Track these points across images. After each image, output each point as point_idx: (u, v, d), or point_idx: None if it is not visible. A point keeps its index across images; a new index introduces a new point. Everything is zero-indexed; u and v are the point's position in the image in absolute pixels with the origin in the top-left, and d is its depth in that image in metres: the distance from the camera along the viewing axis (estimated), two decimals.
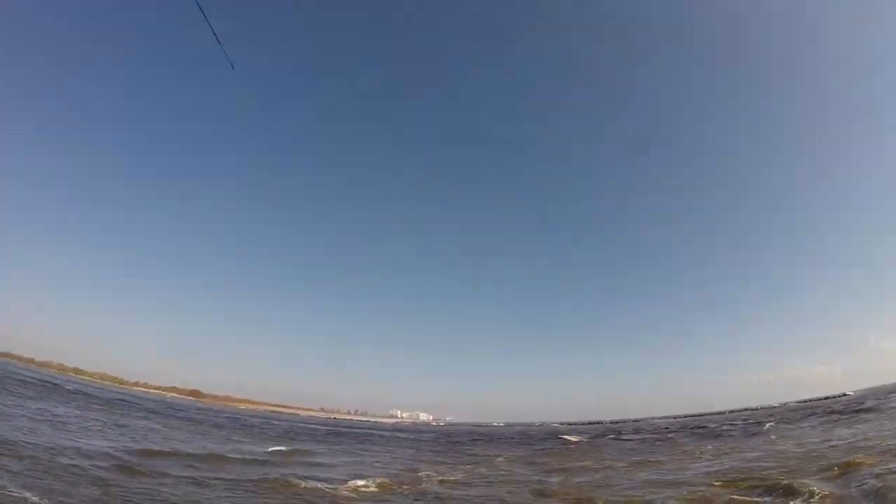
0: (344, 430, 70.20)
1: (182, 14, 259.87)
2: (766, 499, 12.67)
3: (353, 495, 15.37)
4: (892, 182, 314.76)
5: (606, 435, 55.44)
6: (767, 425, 41.05)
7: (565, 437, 52.99)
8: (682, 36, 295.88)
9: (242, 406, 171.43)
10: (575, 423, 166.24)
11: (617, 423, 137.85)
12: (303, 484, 16.21)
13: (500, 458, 29.52)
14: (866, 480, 12.47)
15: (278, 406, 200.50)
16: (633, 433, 55.34)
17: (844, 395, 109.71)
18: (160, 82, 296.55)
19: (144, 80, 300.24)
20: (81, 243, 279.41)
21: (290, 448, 28.01)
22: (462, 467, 24.14)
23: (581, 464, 25.25)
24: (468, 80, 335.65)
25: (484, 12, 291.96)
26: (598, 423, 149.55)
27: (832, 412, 45.33)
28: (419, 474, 20.22)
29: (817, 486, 12.71)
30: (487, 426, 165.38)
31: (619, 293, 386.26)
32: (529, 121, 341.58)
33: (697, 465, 20.86)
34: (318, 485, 16.24)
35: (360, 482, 17.16)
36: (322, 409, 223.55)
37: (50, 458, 14.75)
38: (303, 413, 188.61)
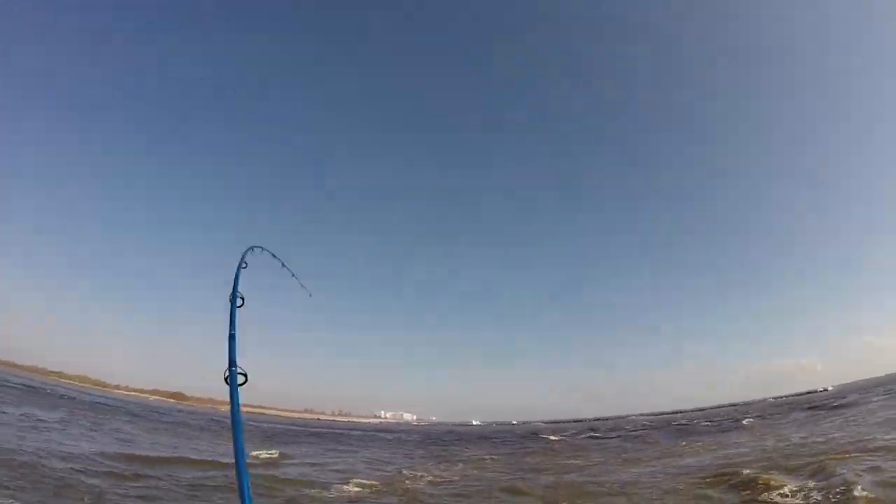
0: (328, 431, 70.02)
1: (181, 14, 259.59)
2: (749, 492, 13.08)
3: (343, 497, 15.53)
4: (877, 185, 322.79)
5: (587, 433, 56.04)
6: (747, 421, 41.79)
7: (547, 436, 53.45)
8: (682, 35, 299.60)
9: (225, 408, 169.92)
10: (555, 422, 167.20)
11: (598, 420, 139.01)
12: (291, 488, 16.32)
13: (486, 458, 29.80)
14: (842, 473, 12.88)
15: (262, 408, 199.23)
16: (615, 431, 55.96)
17: (825, 390, 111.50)
18: (162, 82, 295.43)
19: (145, 79, 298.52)
20: (65, 243, 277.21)
21: (276, 451, 28.01)
22: (451, 468, 24.38)
23: (568, 462, 25.68)
24: (467, 80, 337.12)
25: (484, 12, 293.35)
26: (580, 420, 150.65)
27: (812, 407, 46.20)
28: (409, 475, 20.42)
29: (797, 481, 13.14)
30: (469, 426, 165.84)
31: (610, 290, 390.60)
32: (529, 120, 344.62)
33: (682, 461, 21.33)
34: (308, 491, 16.33)
35: (350, 485, 17.30)
36: (306, 410, 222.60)
37: (38, 464, 14.65)
38: (286, 414, 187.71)
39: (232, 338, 3.65)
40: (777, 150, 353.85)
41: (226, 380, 3.36)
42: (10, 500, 10.83)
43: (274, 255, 6.77)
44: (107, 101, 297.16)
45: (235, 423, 3.16)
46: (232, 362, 3.44)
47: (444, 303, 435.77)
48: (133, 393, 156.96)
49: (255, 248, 5.67)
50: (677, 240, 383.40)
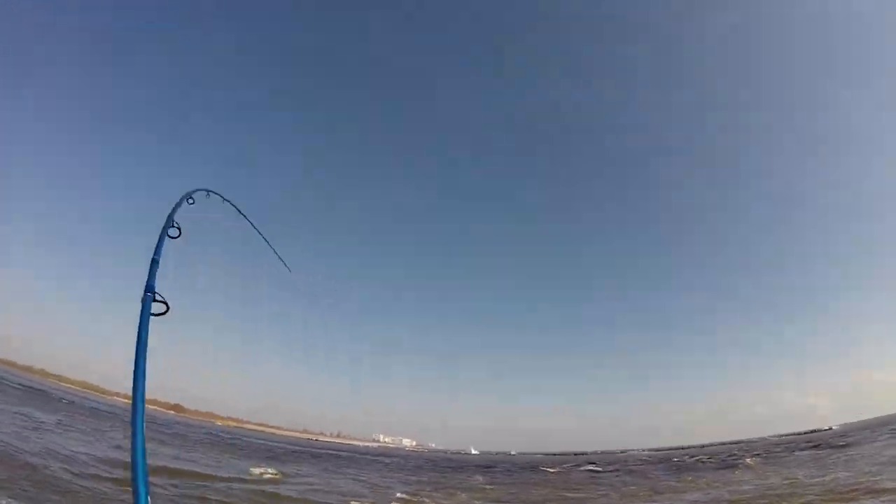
0: (327, 452, 69.45)
1: (182, 14, 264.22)
2: None
3: None
4: (880, 219, 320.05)
5: (586, 466, 55.29)
6: (749, 459, 40.95)
7: (546, 468, 52.72)
8: (682, 35, 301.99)
9: (221, 423, 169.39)
10: (554, 454, 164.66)
11: (597, 453, 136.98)
12: None
13: (487, 488, 29.45)
14: None
15: (261, 425, 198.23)
16: (614, 465, 55.18)
17: (830, 428, 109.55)
18: (163, 82, 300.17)
19: (146, 80, 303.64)
20: (71, 245, 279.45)
21: (277, 469, 27.75)
22: (452, 496, 23.98)
23: (569, 495, 25.26)
24: (467, 80, 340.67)
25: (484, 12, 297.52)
26: (579, 453, 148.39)
27: (816, 446, 45.27)
28: (410, 500, 20.08)
29: None
30: (467, 454, 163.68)
31: (610, 319, 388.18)
32: (530, 125, 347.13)
33: (684, 496, 21.00)
34: None
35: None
36: (304, 431, 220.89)
37: (38, 466, 14.56)
38: (285, 434, 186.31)
39: (154, 262, 3.41)
40: (787, 166, 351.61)
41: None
42: (7, 501, 10.69)
43: (240, 212, 6.25)
44: (108, 101, 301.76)
45: (139, 368, 2.74)
46: (149, 288, 3.13)
47: (445, 331, 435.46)
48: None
49: (210, 194, 5.33)
50: (679, 270, 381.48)
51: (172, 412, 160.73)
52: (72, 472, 14.95)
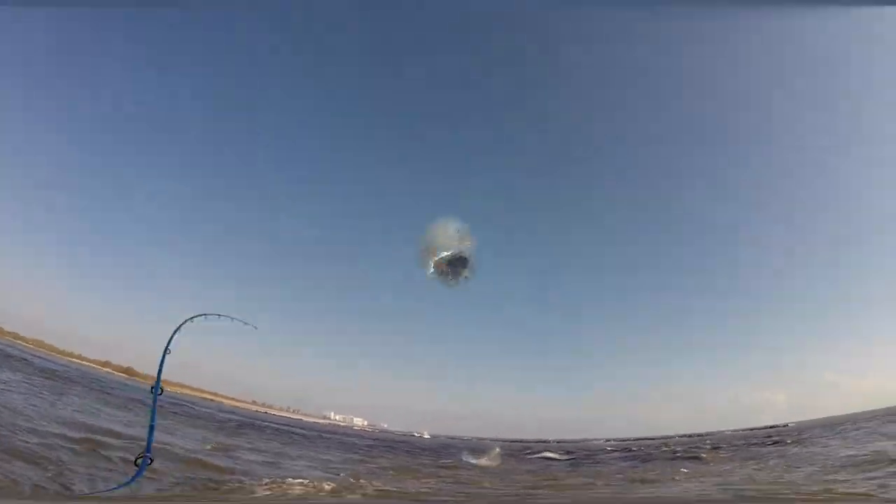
0: (279, 426, 69.69)
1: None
2: None
3: (296, 495, 15.71)
4: (845, 217, 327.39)
5: (543, 453, 56.55)
6: (708, 452, 41.67)
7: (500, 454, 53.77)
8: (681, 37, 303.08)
9: (171, 389, 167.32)
10: (512, 440, 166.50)
11: (560, 442, 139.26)
12: (238, 480, 16.55)
13: (440, 471, 30.05)
14: None
15: (212, 394, 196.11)
16: (575, 453, 56.42)
17: (785, 425, 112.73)
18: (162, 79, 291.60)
19: (146, 77, 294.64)
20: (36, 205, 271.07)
21: (224, 441, 28.06)
22: (405, 477, 24.58)
23: (522, 478, 26.07)
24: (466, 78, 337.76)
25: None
26: (541, 441, 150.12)
27: (777, 443, 46.14)
28: (354, 482, 20.16)
29: None
30: (419, 437, 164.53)
31: (575, 304, 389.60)
32: (527, 125, 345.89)
33: (632, 487, 21.91)
34: (259, 486, 16.18)
35: (302, 482, 17.35)
36: (254, 402, 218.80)
37: (3, 432, 14.73)
38: (235, 404, 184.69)
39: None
40: (760, 168, 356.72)
41: None
42: None
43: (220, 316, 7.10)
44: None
45: None
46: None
47: (405, 311, 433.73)
48: (86, 363, 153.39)
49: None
50: (640, 267, 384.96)
51: (125, 375, 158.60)
52: (37, 435, 15.23)
